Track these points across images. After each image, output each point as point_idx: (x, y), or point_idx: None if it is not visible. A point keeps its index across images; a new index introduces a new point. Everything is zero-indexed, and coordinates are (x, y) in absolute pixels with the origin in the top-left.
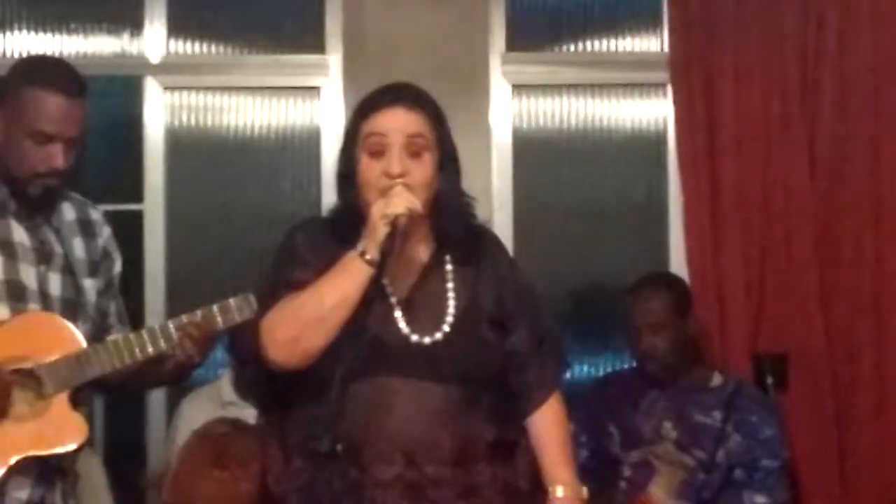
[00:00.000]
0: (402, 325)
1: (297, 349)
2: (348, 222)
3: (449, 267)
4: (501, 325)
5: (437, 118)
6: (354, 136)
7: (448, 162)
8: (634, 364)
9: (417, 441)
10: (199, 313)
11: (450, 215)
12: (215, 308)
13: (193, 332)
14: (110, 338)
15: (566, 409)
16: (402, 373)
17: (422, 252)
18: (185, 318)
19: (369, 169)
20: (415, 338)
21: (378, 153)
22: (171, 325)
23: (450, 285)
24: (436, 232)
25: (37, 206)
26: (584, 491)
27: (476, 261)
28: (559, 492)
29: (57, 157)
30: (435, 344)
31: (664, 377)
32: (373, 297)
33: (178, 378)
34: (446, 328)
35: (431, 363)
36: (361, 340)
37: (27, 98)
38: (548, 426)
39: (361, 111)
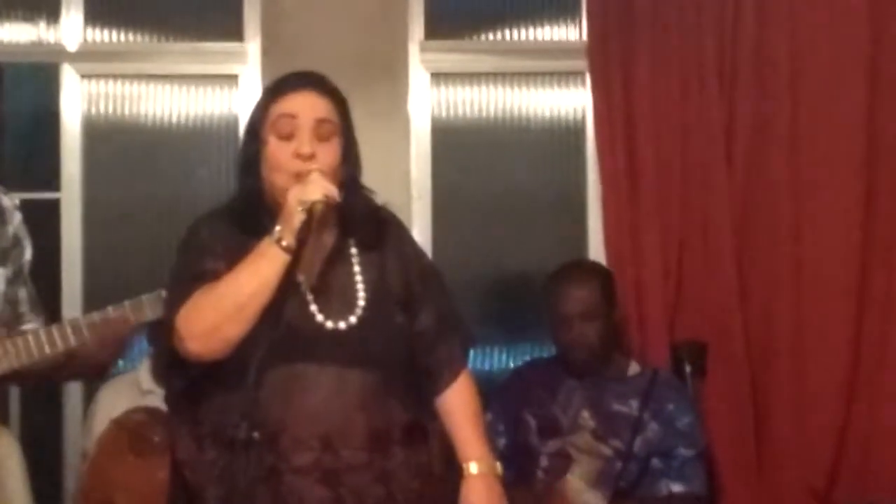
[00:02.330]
0: (315, 311)
1: (215, 339)
2: (251, 209)
3: (354, 251)
4: (409, 306)
5: (343, 106)
6: (262, 118)
7: (351, 149)
8: (552, 353)
9: (333, 426)
10: (110, 310)
11: (352, 201)
12: (127, 305)
13: (106, 329)
14: (27, 327)
15: (480, 393)
16: (316, 359)
17: (327, 238)
18: (96, 315)
19: (279, 150)
20: (329, 324)
21: (288, 135)
22: (81, 322)
23: (356, 269)
24: (340, 217)
25: None
26: (498, 466)
27: (380, 244)
28: (473, 468)
29: None
30: (349, 329)
31: (589, 367)
32: (285, 285)
33: (95, 375)
34: (359, 312)
35: (345, 349)
36: (275, 328)
37: None
38: (458, 404)
39: (271, 94)
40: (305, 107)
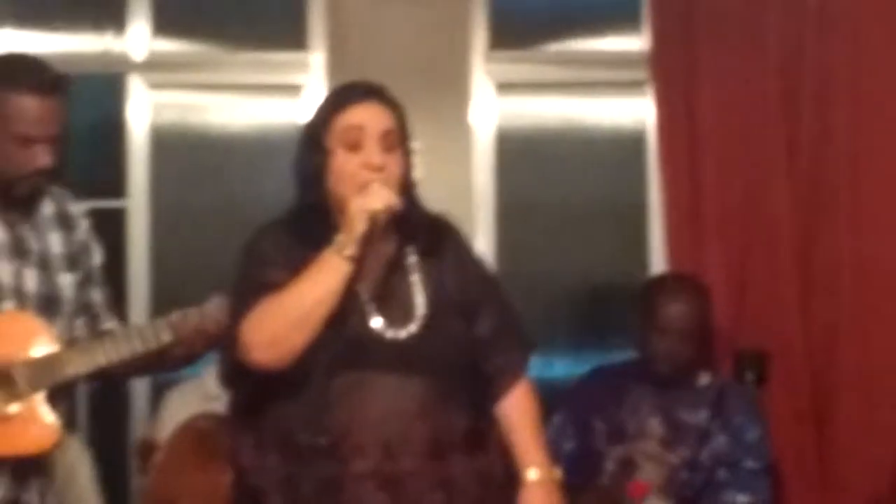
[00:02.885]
0: (375, 320)
1: (279, 349)
2: (313, 220)
3: (413, 259)
4: (467, 314)
5: (403, 117)
6: (325, 129)
7: (410, 160)
8: (618, 359)
9: (394, 434)
10: (177, 314)
11: (413, 209)
12: (194, 310)
13: (178, 332)
14: (106, 327)
15: (546, 399)
16: (377, 367)
17: (385, 246)
18: (163, 319)
19: (346, 161)
20: (389, 333)
21: (355, 146)
22: (148, 326)
23: (415, 277)
24: (399, 225)
25: (22, 204)
26: (557, 472)
27: (439, 252)
28: (532, 474)
29: (41, 156)
30: (409, 338)
31: (671, 379)
32: (344, 293)
33: (171, 369)
34: (419, 321)
35: (405, 357)
36: (334, 338)
37: (7, 103)
38: (517, 411)
39: (334, 105)
40: (372, 118)
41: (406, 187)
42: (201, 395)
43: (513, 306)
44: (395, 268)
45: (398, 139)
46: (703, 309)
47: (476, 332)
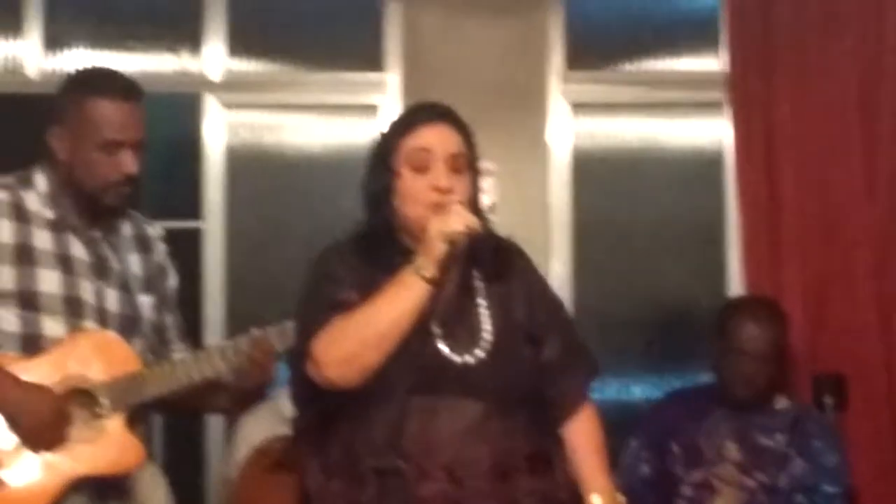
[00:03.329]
0: (442, 344)
1: (353, 367)
2: (381, 241)
3: (479, 283)
4: (534, 339)
5: (471, 140)
6: (394, 150)
7: (477, 183)
8: (695, 382)
9: (458, 457)
10: (254, 332)
11: (480, 236)
12: (272, 329)
13: (254, 355)
14: (176, 356)
15: (623, 421)
16: (444, 392)
17: (454, 271)
18: (241, 338)
19: (414, 183)
20: (455, 358)
21: (423, 168)
22: (229, 347)
23: (482, 302)
24: (467, 252)
25: (105, 214)
26: (621, 498)
27: (506, 276)
28: (595, 500)
29: (128, 163)
30: (476, 363)
31: (748, 403)
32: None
33: (242, 405)
34: (486, 346)
35: (471, 382)
36: (407, 360)
37: (90, 110)
38: (581, 435)
39: (402, 126)
40: (440, 140)
41: (475, 210)
42: (276, 417)
43: (577, 330)
44: (463, 292)
45: (466, 162)
46: (780, 332)
47: (542, 357)
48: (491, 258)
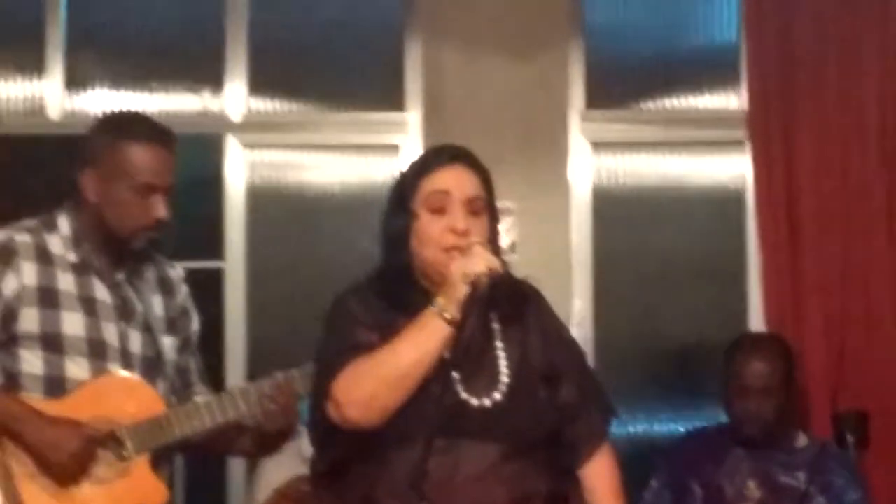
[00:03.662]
0: (459, 387)
1: (373, 408)
2: (399, 284)
3: (496, 326)
4: (551, 380)
5: (489, 182)
6: (412, 192)
7: (495, 225)
8: (716, 421)
9: (478, 500)
10: (279, 375)
11: (503, 274)
12: (296, 372)
13: (277, 398)
14: (197, 398)
15: (643, 460)
16: (461, 435)
17: (473, 311)
18: (265, 381)
19: (431, 225)
20: (473, 401)
21: (441, 210)
22: (252, 390)
23: (499, 344)
24: (487, 291)
25: (127, 256)
26: None
27: (523, 318)
28: None
29: (160, 207)
30: (493, 406)
31: (760, 439)
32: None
33: (266, 448)
34: (503, 389)
35: (489, 425)
36: (419, 404)
37: (126, 153)
38: (599, 477)
39: (420, 168)
40: (458, 182)
41: (493, 252)
42: (297, 458)
43: (594, 372)
44: (481, 334)
45: (484, 204)
46: (783, 366)
47: (559, 399)
48: (508, 300)
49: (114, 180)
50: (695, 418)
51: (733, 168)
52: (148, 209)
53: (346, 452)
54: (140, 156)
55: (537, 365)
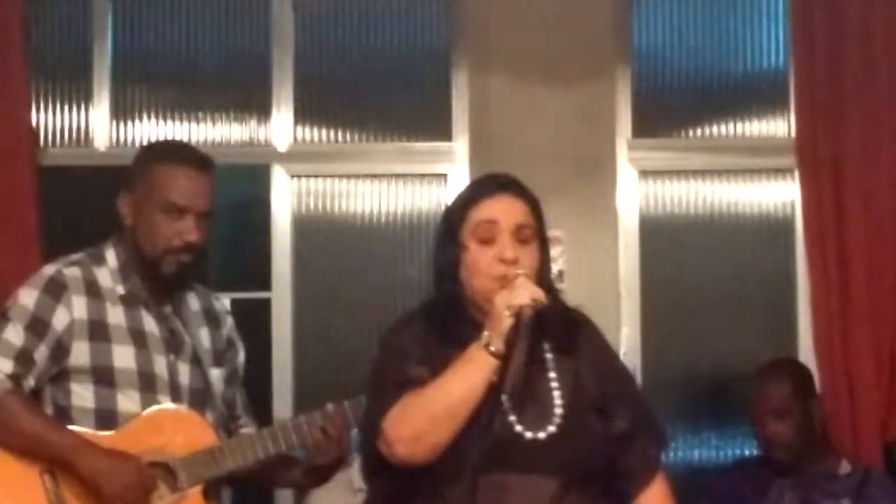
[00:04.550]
0: (513, 421)
1: (423, 444)
2: (450, 315)
3: (549, 356)
4: (604, 410)
5: (538, 210)
6: (461, 223)
7: (546, 253)
8: (760, 451)
9: None
10: (329, 407)
11: (550, 304)
12: (346, 404)
13: (328, 428)
14: (244, 431)
15: (691, 489)
16: (514, 468)
17: (520, 342)
18: (316, 413)
19: (480, 255)
20: (528, 434)
21: (489, 240)
22: (303, 421)
23: (552, 375)
24: (534, 321)
25: (169, 286)
26: None
27: (575, 348)
28: None
29: (190, 230)
30: (547, 438)
31: (789, 464)
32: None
33: (317, 479)
34: (557, 421)
35: (543, 457)
36: (472, 437)
37: (158, 174)
38: None
39: (468, 199)
40: (505, 212)
41: (542, 281)
42: (346, 489)
43: (647, 400)
44: (533, 365)
45: (533, 232)
46: (794, 387)
47: (612, 429)
48: (560, 330)
49: (145, 201)
50: (743, 446)
51: (782, 195)
52: (177, 231)
53: (398, 488)
54: (170, 177)
55: (590, 395)
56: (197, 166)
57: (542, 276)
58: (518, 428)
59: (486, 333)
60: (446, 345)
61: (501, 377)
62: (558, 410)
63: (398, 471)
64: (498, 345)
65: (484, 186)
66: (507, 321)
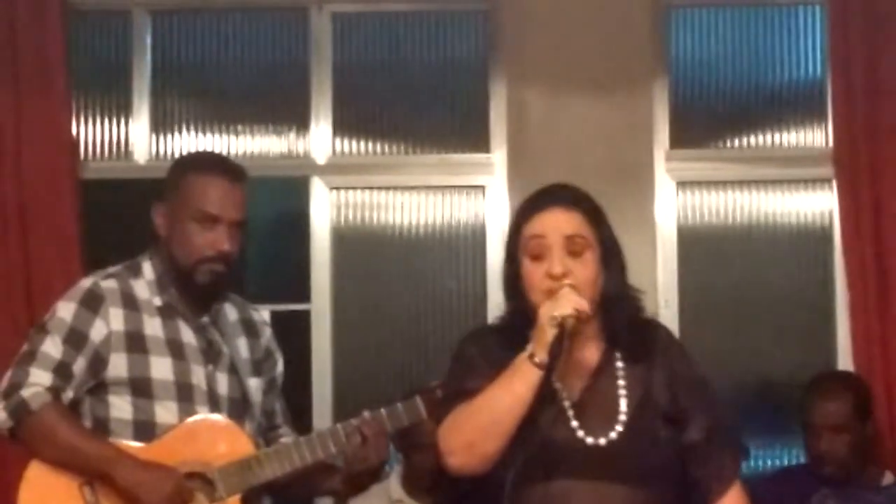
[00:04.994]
0: (576, 427)
1: (473, 455)
2: (517, 327)
3: (619, 364)
4: (676, 420)
5: (595, 216)
6: (516, 241)
7: (611, 259)
8: (804, 459)
9: None
10: (366, 415)
11: (617, 313)
12: (384, 412)
13: (366, 436)
14: (283, 440)
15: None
16: (578, 475)
17: (592, 352)
18: (354, 421)
19: (532, 272)
20: (589, 440)
21: (539, 256)
22: (340, 429)
23: (621, 383)
24: (604, 331)
25: (204, 297)
26: None
27: (647, 356)
28: None
29: (222, 240)
30: (609, 444)
31: (839, 479)
32: (546, 400)
33: (355, 487)
34: (619, 427)
35: (606, 464)
36: (534, 445)
37: (190, 185)
38: None
39: (520, 215)
40: (553, 226)
41: (609, 289)
42: (385, 498)
43: (723, 410)
44: (602, 373)
45: (586, 242)
46: (855, 403)
47: (686, 439)
48: (629, 339)
49: (179, 212)
50: (783, 456)
51: (819, 206)
52: (210, 240)
53: (463, 497)
54: (202, 187)
55: (660, 404)
56: (229, 176)
57: (606, 285)
58: (580, 434)
59: (531, 345)
60: (512, 357)
61: (550, 386)
62: (622, 417)
63: (460, 480)
64: (542, 356)
65: (535, 201)
66: (550, 332)
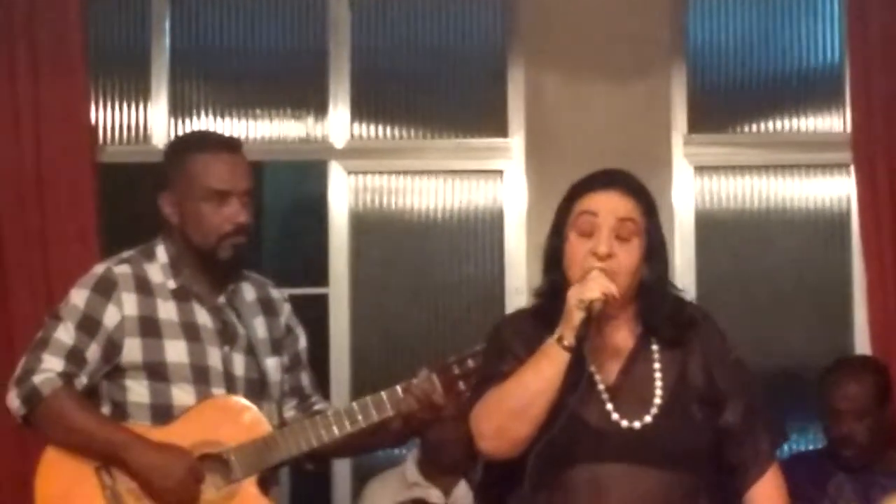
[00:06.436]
0: (610, 410)
1: (504, 439)
2: (555, 305)
3: (655, 347)
4: (712, 403)
5: (649, 207)
6: (566, 215)
7: (656, 252)
8: (821, 445)
9: None
10: (415, 380)
11: (654, 303)
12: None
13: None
14: (318, 407)
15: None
16: (614, 459)
17: (627, 337)
18: (399, 386)
19: (576, 247)
20: (624, 423)
21: (587, 232)
22: (361, 404)
23: (657, 366)
24: (641, 318)
25: (224, 277)
26: None
27: (686, 342)
28: None
29: (238, 212)
30: (643, 428)
31: (859, 463)
32: (581, 385)
33: (414, 430)
34: (655, 411)
35: (642, 447)
36: (569, 429)
37: (192, 166)
38: (767, 498)
39: (576, 190)
40: (608, 206)
41: (649, 277)
42: (402, 483)
43: (762, 396)
44: (637, 357)
45: (636, 229)
46: (876, 387)
47: (723, 422)
48: (666, 324)
49: (187, 196)
50: (800, 441)
51: (837, 191)
52: (226, 216)
53: (500, 479)
54: (206, 164)
55: (696, 387)
56: (227, 148)
57: (647, 273)
58: (614, 417)
59: (559, 328)
60: (550, 334)
61: (583, 373)
62: (657, 401)
63: (496, 464)
64: (569, 339)
65: (592, 180)
66: (578, 315)
